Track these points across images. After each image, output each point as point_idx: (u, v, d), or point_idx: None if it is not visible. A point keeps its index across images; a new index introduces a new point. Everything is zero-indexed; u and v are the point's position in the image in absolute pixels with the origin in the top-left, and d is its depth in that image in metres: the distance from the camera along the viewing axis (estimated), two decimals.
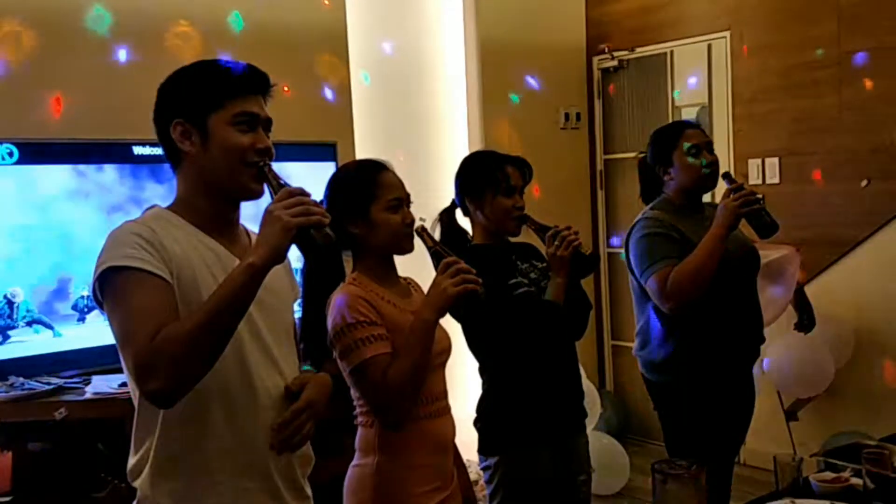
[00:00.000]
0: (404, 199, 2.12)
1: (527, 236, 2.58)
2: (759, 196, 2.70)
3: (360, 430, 2.10)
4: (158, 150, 1.71)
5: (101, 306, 1.57)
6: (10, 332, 3.16)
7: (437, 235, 2.46)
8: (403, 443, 2.05)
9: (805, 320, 3.31)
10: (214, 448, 1.60)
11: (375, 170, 2.13)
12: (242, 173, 1.61)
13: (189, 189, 1.67)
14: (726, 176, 2.81)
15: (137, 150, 3.41)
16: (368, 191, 2.09)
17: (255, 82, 1.68)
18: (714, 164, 2.79)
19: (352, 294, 2.01)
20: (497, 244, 2.53)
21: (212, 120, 1.62)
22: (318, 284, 2.08)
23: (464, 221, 2.62)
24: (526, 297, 2.43)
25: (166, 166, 1.71)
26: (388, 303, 2.06)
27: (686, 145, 2.77)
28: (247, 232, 1.76)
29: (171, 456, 1.58)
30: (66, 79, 3.42)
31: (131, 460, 1.63)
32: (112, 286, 1.50)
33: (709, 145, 2.83)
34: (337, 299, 2.01)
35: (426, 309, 1.97)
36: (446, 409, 2.17)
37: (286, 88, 3.65)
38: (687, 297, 2.60)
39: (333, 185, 2.16)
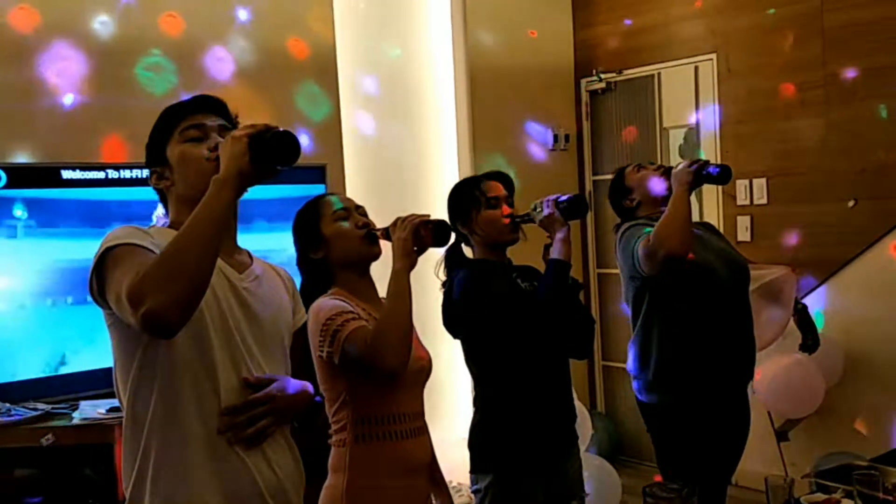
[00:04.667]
0: (351, 209, 2.21)
1: (530, 256, 2.60)
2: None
3: (332, 450, 2.13)
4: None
5: (97, 300, 1.58)
6: None
7: (441, 272, 2.55)
8: (373, 462, 2.07)
9: (809, 341, 3.33)
10: (198, 462, 1.59)
11: (318, 198, 2.27)
12: (207, 177, 1.61)
13: (177, 213, 1.72)
14: (669, 170, 2.92)
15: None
16: (314, 214, 2.20)
17: (201, 104, 1.75)
18: (661, 165, 2.99)
19: (330, 297, 2.11)
20: (499, 261, 2.55)
21: (168, 149, 1.71)
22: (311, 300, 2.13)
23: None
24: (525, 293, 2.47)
25: None
26: (367, 313, 2.10)
27: (631, 167, 3.00)
28: (249, 254, 1.81)
29: (159, 468, 1.59)
30: None
31: (124, 478, 1.63)
32: (107, 260, 1.54)
33: (648, 164, 3.05)
34: (314, 305, 2.08)
35: (394, 263, 2.06)
36: (421, 431, 2.18)
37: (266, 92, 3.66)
38: (668, 245, 2.63)
39: (292, 228, 2.26)
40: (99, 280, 1.55)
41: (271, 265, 1.87)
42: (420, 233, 2.08)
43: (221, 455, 1.61)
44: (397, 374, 2.01)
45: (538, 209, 2.50)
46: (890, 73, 4.01)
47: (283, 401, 1.68)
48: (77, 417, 3.02)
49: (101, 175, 3.40)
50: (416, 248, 2.08)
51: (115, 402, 2.99)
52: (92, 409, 3.04)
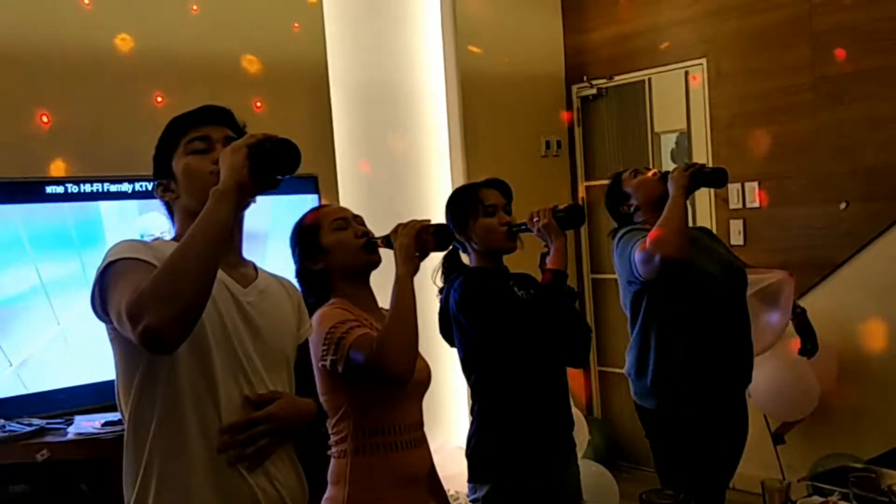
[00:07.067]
0: (349, 219, 2.20)
1: (526, 264, 2.60)
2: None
3: (332, 462, 2.12)
4: None
5: (100, 314, 1.57)
6: None
7: (438, 279, 2.55)
8: (374, 473, 2.06)
9: (808, 345, 3.34)
10: (200, 479, 1.58)
11: (315, 209, 2.25)
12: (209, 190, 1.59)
13: (182, 225, 1.71)
14: (666, 175, 2.92)
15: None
16: (312, 226, 2.18)
17: (206, 114, 1.72)
18: (658, 171, 2.98)
19: (332, 307, 2.10)
20: (496, 269, 2.55)
21: (174, 162, 1.69)
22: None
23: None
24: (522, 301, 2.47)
25: None
26: (368, 323, 2.09)
27: (627, 173, 2.99)
28: (254, 266, 1.79)
29: (161, 483, 1.58)
30: None
31: (126, 492, 1.63)
32: (109, 275, 1.53)
33: (644, 169, 3.04)
34: (316, 316, 2.06)
35: (398, 269, 2.05)
36: (421, 441, 2.18)
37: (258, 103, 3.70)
38: (665, 249, 2.64)
39: (290, 240, 2.24)
40: (101, 295, 1.54)
41: (277, 277, 1.85)
42: (422, 237, 2.07)
43: (223, 472, 1.60)
44: (404, 380, 1.99)
45: (536, 218, 2.51)
46: (879, 75, 4.02)
47: (284, 419, 1.66)
48: (72, 432, 3.00)
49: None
50: (418, 253, 2.07)
51: (110, 417, 2.99)
52: (87, 424, 3.02)
